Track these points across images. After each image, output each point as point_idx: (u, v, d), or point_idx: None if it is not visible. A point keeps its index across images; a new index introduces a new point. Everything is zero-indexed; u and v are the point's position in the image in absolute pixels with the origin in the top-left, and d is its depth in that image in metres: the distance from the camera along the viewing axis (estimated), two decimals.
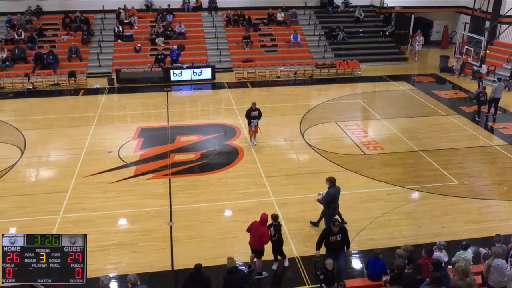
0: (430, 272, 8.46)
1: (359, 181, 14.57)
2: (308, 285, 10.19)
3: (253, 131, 16.75)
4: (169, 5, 29.34)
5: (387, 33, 30.24)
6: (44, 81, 24.49)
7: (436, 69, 27.57)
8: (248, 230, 10.29)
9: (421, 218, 12.65)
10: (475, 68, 25.56)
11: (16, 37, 26.32)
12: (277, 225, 10.37)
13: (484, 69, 25.15)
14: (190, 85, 24.77)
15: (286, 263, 10.79)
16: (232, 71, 26.50)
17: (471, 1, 30.10)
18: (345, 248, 10.09)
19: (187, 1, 30.45)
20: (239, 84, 24.88)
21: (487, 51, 26.24)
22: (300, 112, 20.32)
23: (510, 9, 26.97)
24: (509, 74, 24.22)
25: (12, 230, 12.13)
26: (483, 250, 9.82)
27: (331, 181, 11.30)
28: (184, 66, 25.13)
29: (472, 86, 23.44)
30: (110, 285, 8.75)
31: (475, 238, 11.53)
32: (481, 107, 19.91)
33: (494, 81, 23.02)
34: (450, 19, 33.76)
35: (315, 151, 16.66)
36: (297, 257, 11.04)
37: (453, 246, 10.38)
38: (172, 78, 24.92)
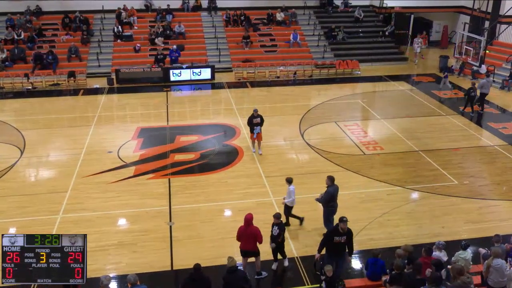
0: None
1: (359, 181, 14.57)
2: (308, 285, 10.19)
3: (255, 138, 16.29)
4: (168, 5, 29.34)
5: (386, 33, 30.27)
6: (43, 81, 24.48)
7: (436, 69, 27.60)
8: (238, 238, 10.09)
9: (421, 218, 12.66)
10: (475, 68, 25.59)
11: (16, 37, 26.33)
12: (280, 224, 10.34)
13: (483, 69, 25.15)
14: (189, 85, 24.76)
15: (286, 263, 10.79)
16: (231, 71, 26.50)
17: (471, 1, 30.14)
18: (347, 255, 9.90)
19: (187, 1, 30.45)
20: (239, 84, 24.88)
21: (487, 51, 26.26)
22: (300, 112, 20.33)
23: (510, 9, 26.98)
24: (508, 74, 24.25)
25: (12, 230, 12.13)
26: (482, 250, 9.83)
27: (331, 180, 11.33)
28: (184, 66, 25.12)
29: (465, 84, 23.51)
30: (110, 285, 8.73)
31: (475, 238, 11.55)
32: (473, 102, 20.16)
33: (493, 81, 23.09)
34: (449, 19, 33.80)
35: (314, 151, 16.66)
36: (297, 257, 11.04)
37: (453, 246, 10.38)
38: (172, 78, 24.92)
